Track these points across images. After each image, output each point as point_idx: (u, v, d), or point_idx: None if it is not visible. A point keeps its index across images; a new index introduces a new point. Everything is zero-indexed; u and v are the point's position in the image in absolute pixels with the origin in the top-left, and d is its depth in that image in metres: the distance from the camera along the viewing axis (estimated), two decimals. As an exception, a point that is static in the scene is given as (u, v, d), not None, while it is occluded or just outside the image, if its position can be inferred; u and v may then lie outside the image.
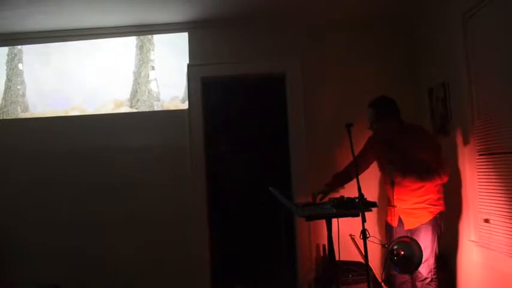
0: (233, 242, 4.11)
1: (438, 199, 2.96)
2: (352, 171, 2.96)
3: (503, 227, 2.60)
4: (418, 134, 3.01)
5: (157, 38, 4.07)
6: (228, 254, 4.08)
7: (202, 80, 3.98)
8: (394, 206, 3.03)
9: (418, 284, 2.94)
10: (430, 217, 2.93)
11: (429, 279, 2.92)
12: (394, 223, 3.05)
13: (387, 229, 3.15)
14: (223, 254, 4.04)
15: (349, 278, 3.40)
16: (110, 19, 3.85)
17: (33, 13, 3.57)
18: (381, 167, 3.22)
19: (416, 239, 2.78)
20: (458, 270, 3.21)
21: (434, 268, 2.92)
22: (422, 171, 2.84)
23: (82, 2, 3.42)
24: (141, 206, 3.85)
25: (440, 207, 2.96)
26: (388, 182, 3.07)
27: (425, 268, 2.86)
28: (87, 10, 3.60)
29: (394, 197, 3.02)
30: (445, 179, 2.87)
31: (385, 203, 3.15)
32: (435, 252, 2.92)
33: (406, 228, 2.98)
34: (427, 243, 2.86)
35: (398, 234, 2.98)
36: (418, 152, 2.89)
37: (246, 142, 4.25)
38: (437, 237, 2.94)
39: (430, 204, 2.93)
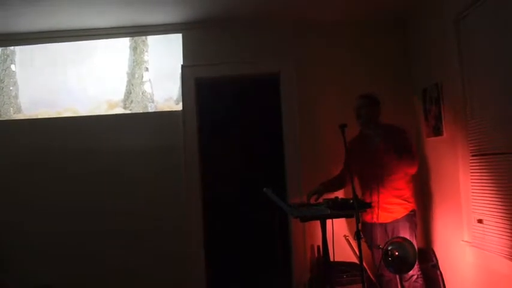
0: (228, 243, 4.11)
1: (411, 196, 3.12)
2: (344, 177, 3.05)
3: (497, 228, 2.62)
4: (396, 129, 3.17)
5: (151, 39, 4.05)
6: (223, 254, 4.08)
7: (196, 81, 3.97)
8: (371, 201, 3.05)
9: (405, 284, 3.02)
10: (405, 213, 3.07)
11: (415, 276, 3.03)
12: (372, 219, 3.10)
13: (365, 228, 3.16)
14: (218, 254, 4.04)
15: (343, 279, 3.42)
16: (104, 20, 3.82)
17: (26, 13, 3.54)
18: (360, 166, 3.19)
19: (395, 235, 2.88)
20: (452, 270, 3.22)
21: (417, 265, 2.99)
22: (402, 149, 3.01)
23: (76, 2, 3.40)
24: (136, 207, 3.83)
25: (413, 205, 3.12)
26: (370, 177, 3.11)
27: None
28: (80, 11, 3.57)
29: (375, 189, 3.06)
30: (415, 169, 3.05)
31: None
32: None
33: (380, 221, 3.06)
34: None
35: (376, 230, 3.07)
36: (396, 141, 3.06)
37: (240, 142, 4.26)
38: (415, 233, 3.07)
39: (405, 200, 3.08)
